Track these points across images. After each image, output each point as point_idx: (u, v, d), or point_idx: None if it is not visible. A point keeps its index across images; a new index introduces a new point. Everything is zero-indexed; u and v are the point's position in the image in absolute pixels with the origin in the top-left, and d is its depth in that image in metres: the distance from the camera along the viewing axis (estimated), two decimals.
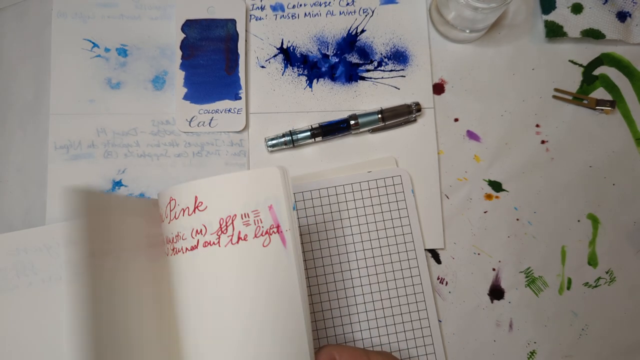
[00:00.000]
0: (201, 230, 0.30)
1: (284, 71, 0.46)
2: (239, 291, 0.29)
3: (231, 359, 0.29)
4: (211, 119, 0.44)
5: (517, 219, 0.44)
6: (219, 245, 0.29)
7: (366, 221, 0.43)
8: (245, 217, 0.29)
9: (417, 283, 0.42)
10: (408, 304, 0.42)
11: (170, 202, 0.31)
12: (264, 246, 0.29)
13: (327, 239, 0.42)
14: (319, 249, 0.42)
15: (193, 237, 0.30)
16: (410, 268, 0.42)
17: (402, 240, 0.43)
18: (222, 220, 0.29)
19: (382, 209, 0.43)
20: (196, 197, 0.30)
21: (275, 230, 0.29)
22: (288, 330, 0.29)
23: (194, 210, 0.30)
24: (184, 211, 0.31)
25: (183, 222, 0.30)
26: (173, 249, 0.31)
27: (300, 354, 0.29)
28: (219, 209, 0.30)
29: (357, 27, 0.46)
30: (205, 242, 0.30)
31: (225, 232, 0.29)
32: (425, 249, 0.43)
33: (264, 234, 0.29)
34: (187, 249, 0.31)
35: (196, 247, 0.30)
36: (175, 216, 0.31)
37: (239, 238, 0.29)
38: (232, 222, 0.29)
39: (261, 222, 0.29)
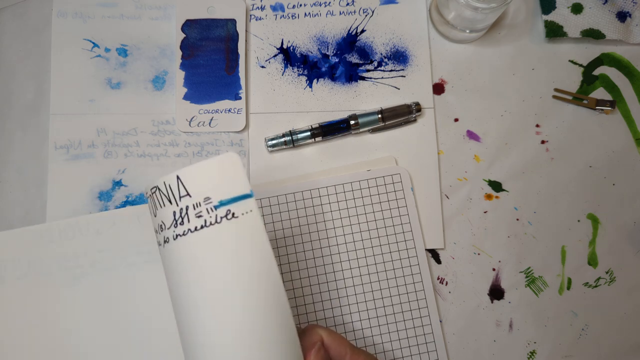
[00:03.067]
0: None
1: (284, 71, 0.46)
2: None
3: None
4: (211, 119, 0.44)
5: (517, 219, 0.44)
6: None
7: (366, 220, 0.43)
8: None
9: (418, 281, 0.42)
10: (409, 301, 0.42)
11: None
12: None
13: (327, 237, 0.42)
14: (319, 248, 0.42)
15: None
16: (410, 266, 0.42)
17: (402, 238, 0.43)
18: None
19: (382, 207, 0.43)
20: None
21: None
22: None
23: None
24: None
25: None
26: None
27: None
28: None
29: (357, 27, 0.46)
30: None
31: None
32: (426, 249, 0.43)
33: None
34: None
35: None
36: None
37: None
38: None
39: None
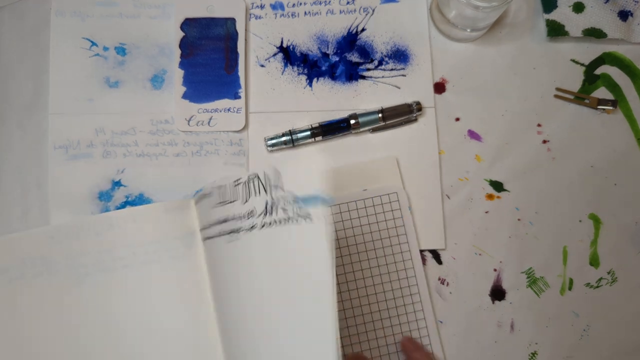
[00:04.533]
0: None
1: (284, 70, 0.45)
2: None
3: None
4: (210, 118, 0.44)
5: (519, 219, 0.44)
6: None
7: (363, 240, 0.42)
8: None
9: (419, 309, 0.42)
10: (406, 313, 0.42)
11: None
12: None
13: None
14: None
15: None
16: (409, 287, 0.42)
17: (401, 258, 0.42)
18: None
19: (380, 227, 0.42)
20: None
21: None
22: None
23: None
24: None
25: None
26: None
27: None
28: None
29: (357, 26, 0.46)
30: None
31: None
32: (427, 250, 0.43)
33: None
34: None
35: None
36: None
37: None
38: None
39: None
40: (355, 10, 0.46)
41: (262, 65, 0.45)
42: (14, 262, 0.37)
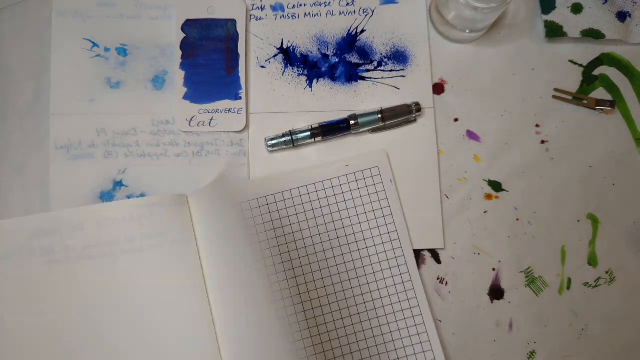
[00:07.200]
0: None
1: (284, 71, 0.46)
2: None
3: None
4: (211, 119, 0.44)
5: (517, 219, 0.44)
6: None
7: (348, 217, 0.43)
8: None
9: (407, 280, 0.42)
10: (400, 301, 0.42)
11: None
12: None
13: (310, 236, 0.42)
14: (303, 248, 0.42)
15: None
16: (398, 266, 0.42)
17: (388, 237, 0.42)
18: None
19: (364, 202, 0.43)
20: None
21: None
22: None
23: None
24: None
25: None
26: None
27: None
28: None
29: (357, 27, 0.46)
30: None
31: None
32: (426, 250, 0.43)
33: None
34: None
35: None
36: None
37: None
38: None
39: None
40: (355, 12, 0.46)
41: (263, 66, 0.46)
42: (13, 247, 0.37)
